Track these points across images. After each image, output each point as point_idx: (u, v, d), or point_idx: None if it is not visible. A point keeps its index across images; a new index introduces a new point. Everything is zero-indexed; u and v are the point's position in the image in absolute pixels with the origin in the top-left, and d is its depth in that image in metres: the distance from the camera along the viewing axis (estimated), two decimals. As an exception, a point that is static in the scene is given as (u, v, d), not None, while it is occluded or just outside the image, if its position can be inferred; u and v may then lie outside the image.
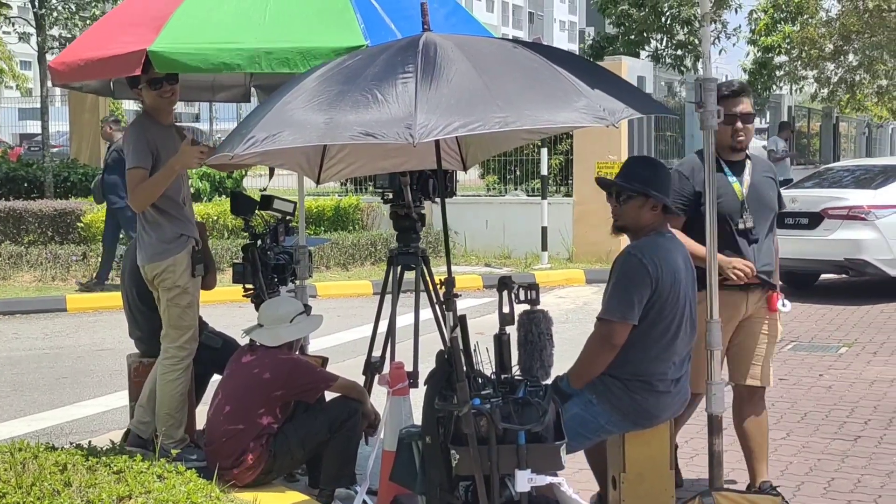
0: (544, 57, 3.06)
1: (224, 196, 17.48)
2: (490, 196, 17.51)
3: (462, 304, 11.40)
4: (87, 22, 18.55)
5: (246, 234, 5.78)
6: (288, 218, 5.88)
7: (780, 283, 5.05)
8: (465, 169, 5.04)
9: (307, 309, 5.26)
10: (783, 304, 4.91)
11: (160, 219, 5.06)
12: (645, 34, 23.62)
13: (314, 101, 2.83)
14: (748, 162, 4.90)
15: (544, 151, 15.01)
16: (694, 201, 4.69)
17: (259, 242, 5.70)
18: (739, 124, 4.74)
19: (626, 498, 4.05)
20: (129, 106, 24.44)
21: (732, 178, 4.78)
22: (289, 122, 2.81)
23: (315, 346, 8.14)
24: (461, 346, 3.58)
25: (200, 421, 5.36)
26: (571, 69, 3.03)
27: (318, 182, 4.69)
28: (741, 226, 4.71)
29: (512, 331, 3.75)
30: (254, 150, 2.81)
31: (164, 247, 5.06)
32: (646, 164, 4.32)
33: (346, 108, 2.74)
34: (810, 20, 25.73)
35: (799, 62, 25.67)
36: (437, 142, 3.32)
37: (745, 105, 4.78)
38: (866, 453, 5.89)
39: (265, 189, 6.02)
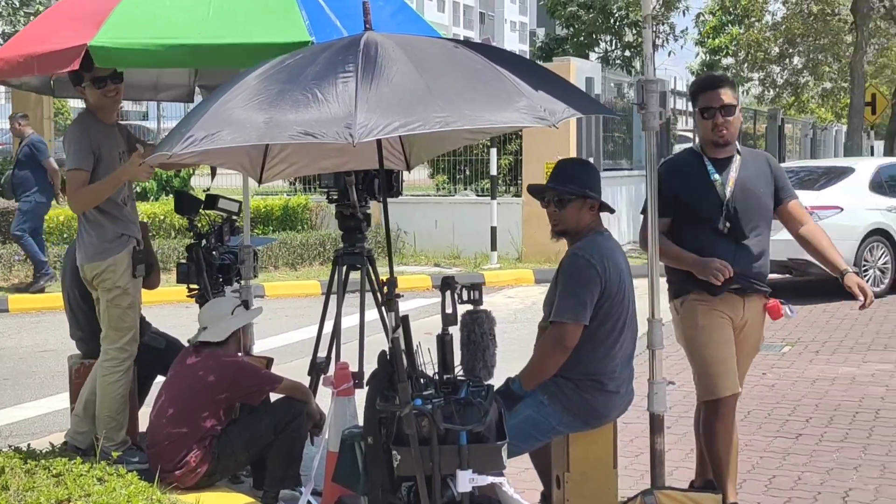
0: (486, 58, 3.06)
1: (171, 195, 17.31)
2: (439, 196, 17.52)
3: (411, 305, 11.46)
4: (31, 17, 18.28)
5: (191, 233, 5.73)
6: (233, 217, 5.84)
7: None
8: (408, 169, 5.03)
9: (245, 304, 5.24)
10: (790, 311, 4.72)
11: (101, 219, 4.99)
12: (594, 36, 23.79)
13: (254, 99, 2.80)
14: (737, 157, 4.56)
15: (493, 152, 15.05)
16: (673, 202, 4.45)
17: (204, 242, 5.65)
18: (720, 118, 4.41)
19: (571, 497, 4.07)
20: (76, 104, 24.08)
21: (716, 177, 4.48)
22: (228, 121, 2.77)
23: (262, 347, 8.08)
24: (403, 347, 3.57)
25: (143, 423, 5.30)
26: (513, 70, 3.03)
27: (260, 182, 4.65)
28: (720, 226, 4.45)
29: (455, 331, 3.75)
30: (192, 150, 2.77)
31: (104, 246, 4.99)
32: (578, 165, 4.34)
33: (286, 108, 2.71)
34: (756, 23, 26.10)
35: (745, 64, 26.03)
36: (378, 141, 3.31)
37: (726, 96, 4.43)
38: (807, 451, 5.98)
39: (209, 189, 5.97)
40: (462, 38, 5.75)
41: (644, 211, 4.44)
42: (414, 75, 2.77)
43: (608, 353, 4.05)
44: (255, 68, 3.01)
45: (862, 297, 4.60)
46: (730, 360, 4.53)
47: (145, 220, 5.53)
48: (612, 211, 4.29)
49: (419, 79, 2.77)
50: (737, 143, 4.59)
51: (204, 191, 6.09)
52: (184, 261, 5.68)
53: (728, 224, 4.45)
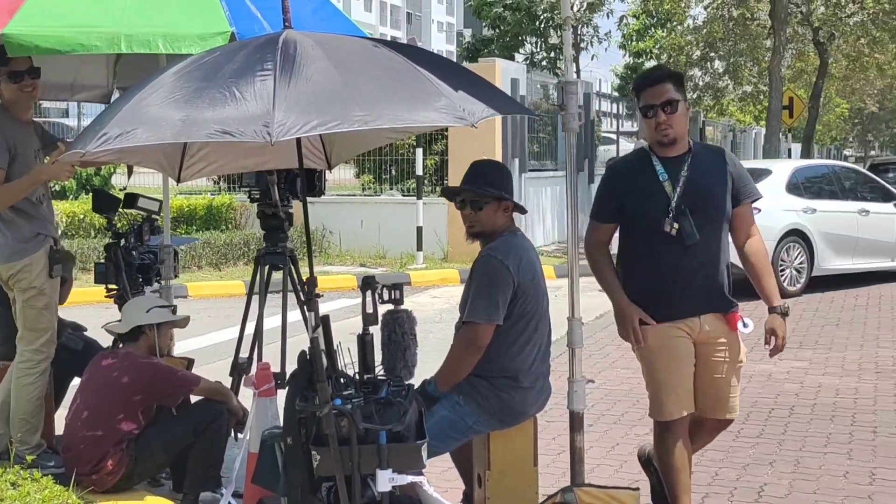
0: (407, 57, 3.06)
1: (90, 194, 17.01)
2: (365, 196, 17.49)
3: (336, 304, 11.42)
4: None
5: (109, 232, 5.64)
6: (153, 217, 5.76)
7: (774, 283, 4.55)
8: (329, 168, 5.01)
9: (172, 308, 5.17)
10: (744, 325, 4.46)
11: (16, 218, 4.88)
12: (520, 37, 23.97)
13: (171, 97, 2.76)
14: (689, 156, 4.27)
15: (419, 151, 15.08)
16: (619, 207, 4.25)
17: (122, 241, 5.56)
18: (662, 115, 4.14)
19: (491, 495, 4.09)
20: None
21: (664, 177, 4.21)
22: (143, 118, 2.73)
23: (186, 348, 7.99)
24: (323, 347, 3.56)
25: (59, 426, 5.20)
26: (434, 70, 3.04)
27: (178, 181, 4.59)
28: (667, 229, 4.17)
29: (376, 331, 3.75)
30: (107, 148, 2.72)
31: (20, 246, 4.89)
32: (492, 166, 4.30)
33: (203, 106, 2.68)
34: (678, 27, 26.54)
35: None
36: (298, 140, 3.29)
37: (668, 92, 4.15)
38: (724, 447, 6.08)
39: (126, 188, 5.89)
40: (389, 38, 5.72)
41: (594, 216, 4.35)
42: (333, 74, 2.76)
43: (521, 350, 4.08)
44: (171, 66, 2.97)
45: (770, 345, 4.51)
46: (680, 383, 4.30)
47: (63, 219, 5.44)
48: (523, 212, 4.31)
49: (338, 77, 2.76)
50: (689, 139, 4.33)
51: (121, 189, 6.01)
52: (102, 261, 5.59)
53: (675, 226, 4.16)
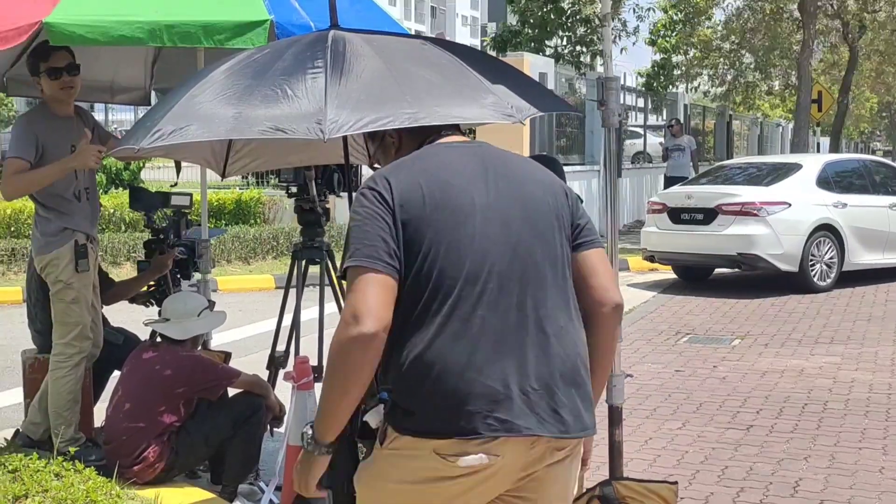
0: (453, 54, 3.08)
1: (121, 188, 17.12)
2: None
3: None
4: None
5: (147, 229, 5.69)
6: (185, 211, 5.80)
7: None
8: (371, 164, 5.04)
9: (211, 305, 5.22)
10: None
11: (47, 213, 4.96)
12: (547, 29, 23.89)
13: (222, 94, 2.79)
14: None
15: (448, 146, 15.08)
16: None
17: (161, 237, 5.62)
18: None
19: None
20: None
21: None
22: (196, 115, 2.77)
23: (217, 341, 8.04)
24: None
25: (99, 418, 5.26)
26: (479, 67, 3.06)
27: (223, 176, 4.64)
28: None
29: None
30: (160, 144, 2.77)
31: (46, 240, 4.95)
32: (543, 160, 4.36)
33: (255, 103, 2.71)
34: (706, 21, 26.39)
35: (695, 62, 26.32)
36: (344, 137, 3.32)
37: None
38: (758, 441, 6.10)
39: (176, 184, 5.94)
40: (413, 32, 5.73)
41: None
42: (382, 71, 2.79)
43: None
44: (220, 64, 3.01)
45: None
46: None
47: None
48: None
49: (388, 75, 2.78)
50: None
51: (171, 185, 6.05)
52: (143, 259, 5.66)
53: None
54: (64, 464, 4.49)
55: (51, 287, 4.97)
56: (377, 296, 2.32)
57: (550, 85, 16.37)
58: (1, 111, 39.04)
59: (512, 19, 25.16)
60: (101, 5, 4.48)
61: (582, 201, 3.50)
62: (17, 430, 5.29)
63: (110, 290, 5.57)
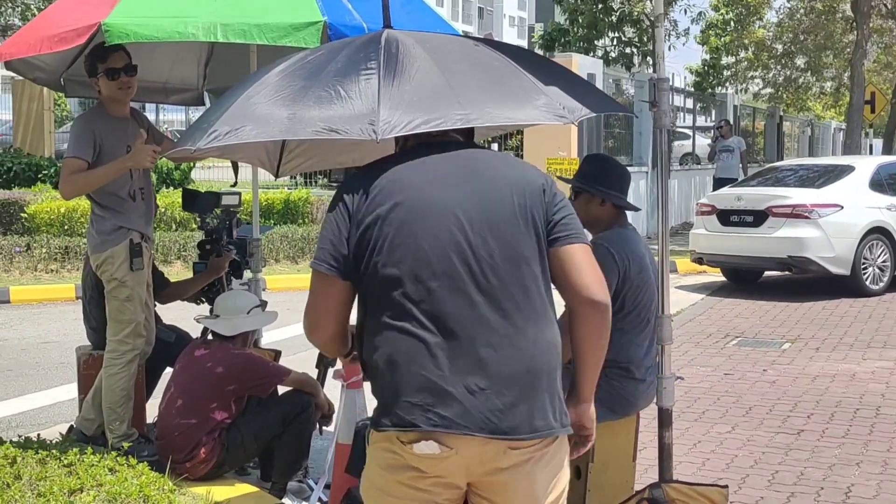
0: (504, 55, 3.08)
1: (171, 188, 17.33)
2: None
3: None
4: (39, 7, 18.20)
5: (201, 230, 5.73)
6: (235, 210, 5.85)
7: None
8: None
9: (262, 304, 5.27)
10: None
11: (102, 212, 5.03)
12: (596, 30, 23.80)
13: (277, 96, 2.81)
14: None
15: (495, 147, 15.09)
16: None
17: (214, 237, 5.68)
18: None
19: (591, 488, 4.12)
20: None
21: None
22: (251, 116, 2.79)
23: (267, 339, 8.11)
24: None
25: (151, 414, 5.33)
26: (530, 67, 3.04)
27: (276, 176, 4.68)
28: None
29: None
30: (217, 144, 2.80)
31: (101, 238, 5.02)
32: (593, 160, 4.43)
33: (309, 104, 2.73)
34: (759, 21, 26.12)
35: (745, 62, 26.07)
36: (397, 137, 3.34)
37: None
38: (809, 446, 6.03)
39: (236, 183, 6.00)
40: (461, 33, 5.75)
41: None
42: (435, 72, 2.79)
43: (632, 341, 4.11)
44: (274, 65, 3.02)
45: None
46: None
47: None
48: (631, 208, 4.34)
49: (440, 76, 2.78)
50: None
51: (230, 185, 6.11)
52: (196, 260, 5.73)
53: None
54: (118, 459, 4.55)
55: (105, 285, 5.05)
56: (325, 302, 2.61)
57: (598, 86, 16.31)
58: (55, 112, 39.64)
59: (560, 19, 25.08)
60: (157, 8, 4.56)
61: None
62: (72, 425, 5.37)
63: (166, 290, 5.63)
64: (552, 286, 2.66)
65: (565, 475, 2.65)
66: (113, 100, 5.06)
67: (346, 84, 2.75)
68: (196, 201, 5.67)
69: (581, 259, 2.63)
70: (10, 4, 19.08)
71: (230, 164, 5.98)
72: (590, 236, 4.02)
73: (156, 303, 5.46)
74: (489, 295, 2.49)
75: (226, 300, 5.10)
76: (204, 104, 6.25)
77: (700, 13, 25.54)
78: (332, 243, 2.56)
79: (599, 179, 4.20)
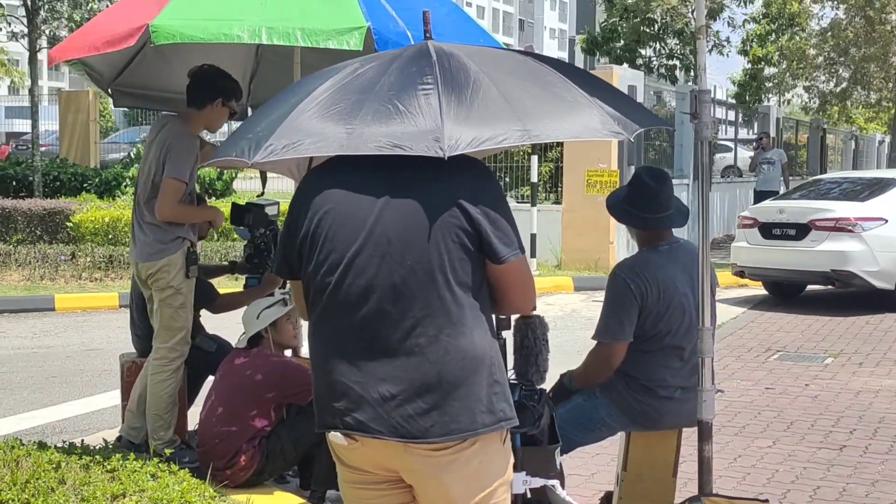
0: (556, 70, 3.06)
1: (213, 197, 17.49)
2: (480, 203, 17.49)
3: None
4: (85, 18, 18.44)
5: (248, 245, 5.71)
6: (274, 219, 5.87)
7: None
8: None
9: (282, 300, 5.20)
10: None
11: (161, 223, 5.10)
12: (639, 41, 23.73)
13: (331, 110, 2.78)
14: None
15: (534, 159, 15.07)
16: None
17: (265, 249, 5.69)
18: None
19: (624, 497, 4.11)
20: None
21: None
22: (308, 130, 2.77)
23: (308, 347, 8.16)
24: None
25: (192, 422, 5.39)
26: (583, 83, 3.03)
27: None
28: None
29: (508, 336, 3.79)
30: (274, 158, 2.82)
31: (160, 246, 5.10)
32: (631, 181, 4.39)
33: (367, 119, 2.69)
34: (801, 32, 25.85)
35: (788, 73, 25.81)
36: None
37: None
38: (851, 462, 5.96)
39: (262, 193, 6.03)
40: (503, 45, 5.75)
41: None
42: (490, 88, 2.76)
43: (657, 362, 4.11)
44: (322, 78, 3.00)
45: None
46: None
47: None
48: (673, 224, 4.31)
49: (496, 92, 2.75)
50: None
51: (257, 195, 6.14)
52: (249, 275, 5.76)
53: None
54: (160, 465, 4.60)
55: (158, 293, 5.11)
56: (299, 298, 2.86)
57: (640, 97, 16.25)
58: (100, 122, 40.19)
59: (602, 19, 25.06)
60: (203, 11, 4.65)
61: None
62: (120, 435, 5.44)
63: (216, 301, 5.66)
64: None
65: (493, 481, 2.72)
66: (207, 126, 5.23)
67: (404, 99, 2.73)
68: (247, 216, 5.62)
69: (513, 276, 2.75)
70: (56, 15, 19.39)
71: (258, 175, 6.02)
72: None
73: (200, 312, 5.52)
74: (403, 306, 2.60)
75: (246, 314, 5.14)
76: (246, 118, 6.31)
77: (744, 22, 25.38)
78: (283, 252, 2.86)
79: (630, 201, 4.25)
